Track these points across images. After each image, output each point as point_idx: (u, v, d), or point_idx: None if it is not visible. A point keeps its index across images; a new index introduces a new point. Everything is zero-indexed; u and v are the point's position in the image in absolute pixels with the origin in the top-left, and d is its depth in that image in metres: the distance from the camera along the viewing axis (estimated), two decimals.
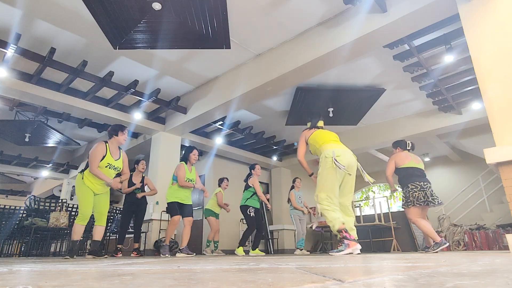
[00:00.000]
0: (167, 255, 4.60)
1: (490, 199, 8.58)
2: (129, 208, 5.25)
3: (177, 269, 1.36)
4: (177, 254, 4.62)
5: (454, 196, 9.29)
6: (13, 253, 6.51)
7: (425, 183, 4.06)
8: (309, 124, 3.93)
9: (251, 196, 5.49)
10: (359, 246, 3.17)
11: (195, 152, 4.89)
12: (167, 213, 4.93)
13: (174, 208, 4.63)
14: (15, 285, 0.81)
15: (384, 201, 9.11)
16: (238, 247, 5.40)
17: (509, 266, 1.25)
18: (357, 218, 8.84)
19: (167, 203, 4.72)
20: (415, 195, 3.98)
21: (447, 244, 3.88)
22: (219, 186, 6.50)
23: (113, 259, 3.49)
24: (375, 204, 8.81)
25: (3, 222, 5.85)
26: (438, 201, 4.02)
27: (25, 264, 2.20)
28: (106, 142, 3.90)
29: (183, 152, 4.98)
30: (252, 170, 5.72)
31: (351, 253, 3.12)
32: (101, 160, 3.74)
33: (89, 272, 1.28)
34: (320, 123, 3.92)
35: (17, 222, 5.97)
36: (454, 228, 7.89)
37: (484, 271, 1.01)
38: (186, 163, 4.81)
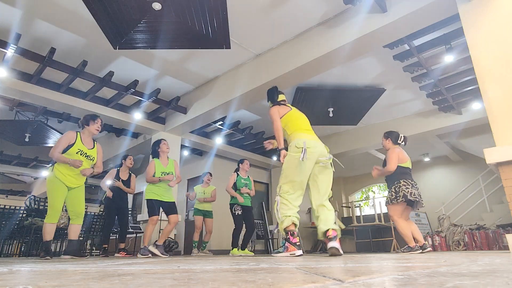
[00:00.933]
0: (148, 255, 4.28)
1: (490, 199, 8.57)
2: (111, 206, 5.17)
3: (177, 269, 1.36)
4: (150, 247, 4.34)
5: (454, 196, 9.28)
6: (13, 253, 6.50)
7: (415, 183, 4.03)
8: (270, 104, 3.52)
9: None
10: (299, 252, 2.84)
11: (163, 141, 4.64)
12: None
13: (152, 206, 4.35)
14: (15, 285, 0.81)
15: (384, 201, 9.10)
16: (232, 249, 5.37)
17: (509, 266, 1.25)
18: (357, 218, 8.85)
19: (146, 200, 4.45)
20: (408, 190, 3.87)
21: (419, 251, 3.83)
22: (202, 181, 6.31)
23: (113, 259, 3.49)
24: (375, 204, 8.81)
25: (3, 222, 5.85)
26: (422, 203, 4.00)
27: (25, 264, 2.20)
28: (77, 132, 3.79)
29: (151, 147, 4.69)
30: (239, 165, 5.60)
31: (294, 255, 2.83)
32: (70, 148, 3.62)
33: (89, 272, 1.28)
34: (282, 97, 3.51)
35: (17, 222, 5.96)
36: (454, 228, 7.89)
37: (484, 271, 1.01)
38: (158, 158, 4.56)
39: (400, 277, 0.88)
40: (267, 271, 1.16)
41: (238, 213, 5.32)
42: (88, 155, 3.75)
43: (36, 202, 6.02)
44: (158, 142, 4.66)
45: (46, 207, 6.08)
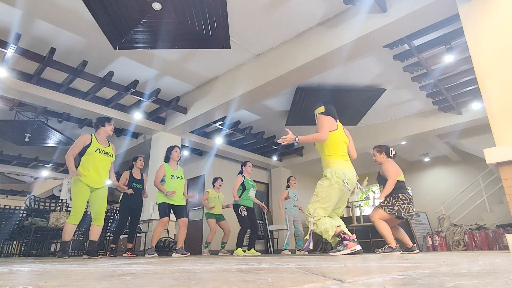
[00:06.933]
0: (154, 254, 4.38)
1: (490, 199, 8.57)
2: (126, 206, 5.21)
3: (177, 269, 1.36)
4: (173, 254, 4.54)
5: (454, 196, 9.28)
6: (13, 253, 6.50)
7: (412, 197, 4.06)
8: (320, 110, 3.55)
9: (241, 195, 5.45)
10: (358, 247, 3.09)
11: (176, 149, 4.85)
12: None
13: (163, 209, 4.51)
14: (15, 285, 0.81)
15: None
16: (236, 249, 5.39)
17: (509, 266, 1.25)
18: (357, 218, 8.85)
19: (158, 204, 4.60)
20: (405, 207, 3.91)
21: (400, 252, 3.83)
22: (213, 185, 6.46)
23: (113, 259, 3.49)
24: (375, 204, 8.80)
25: (3, 222, 5.84)
26: (414, 217, 4.03)
27: (25, 264, 2.20)
28: (92, 134, 3.90)
29: (166, 152, 4.92)
30: (243, 167, 5.66)
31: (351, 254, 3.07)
32: (87, 148, 3.73)
33: (89, 272, 1.28)
34: (322, 109, 3.56)
35: (17, 222, 5.96)
36: (454, 228, 7.88)
37: (484, 271, 1.01)
38: (168, 163, 4.76)
39: (400, 277, 0.88)
40: (267, 271, 1.16)
41: (244, 214, 5.35)
42: (106, 152, 3.89)
43: (36, 202, 6.02)
44: (172, 148, 4.87)
45: (45, 207, 6.11)
